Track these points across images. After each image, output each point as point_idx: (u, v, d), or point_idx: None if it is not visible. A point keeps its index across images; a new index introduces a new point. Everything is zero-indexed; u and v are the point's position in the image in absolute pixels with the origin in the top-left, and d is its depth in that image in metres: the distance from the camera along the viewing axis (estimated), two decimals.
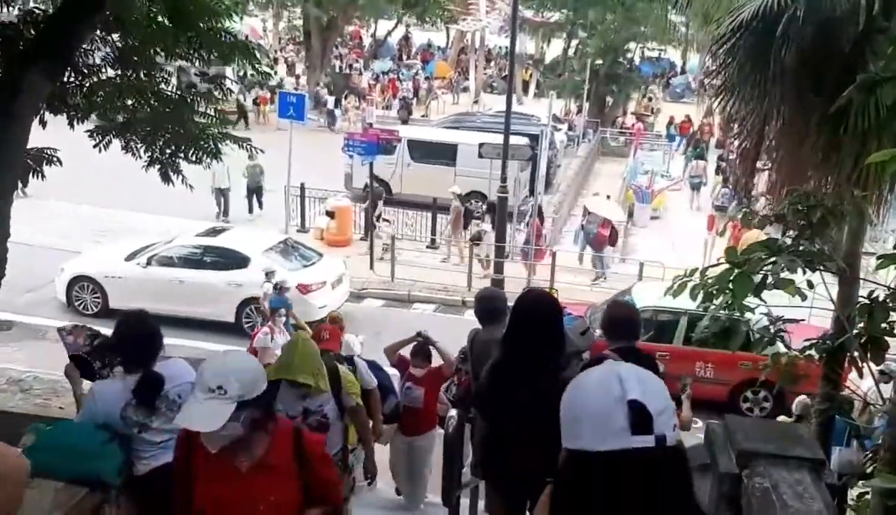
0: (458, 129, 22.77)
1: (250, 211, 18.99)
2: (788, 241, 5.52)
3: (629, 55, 31.75)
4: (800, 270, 5.36)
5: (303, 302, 11.87)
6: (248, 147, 7.11)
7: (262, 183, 18.82)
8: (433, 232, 17.48)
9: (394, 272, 15.61)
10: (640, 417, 1.40)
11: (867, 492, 5.86)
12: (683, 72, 47.77)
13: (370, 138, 15.61)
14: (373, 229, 16.13)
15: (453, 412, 4.86)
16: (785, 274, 5.09)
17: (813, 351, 6.22)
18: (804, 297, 5.91)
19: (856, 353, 5.58)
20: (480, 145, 16.43)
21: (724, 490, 3.52)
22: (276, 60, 44.32)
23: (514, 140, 16.16)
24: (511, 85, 15.90)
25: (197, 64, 6.46)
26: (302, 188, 17.85)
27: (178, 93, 6.64)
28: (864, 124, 6.76)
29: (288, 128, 17.65)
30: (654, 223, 21.22)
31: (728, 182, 21.11)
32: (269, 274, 11.45)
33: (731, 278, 5.32)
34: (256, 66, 7.24)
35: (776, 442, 3.66)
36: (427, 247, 17.69)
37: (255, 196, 19.06)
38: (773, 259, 5.11)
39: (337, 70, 38.14)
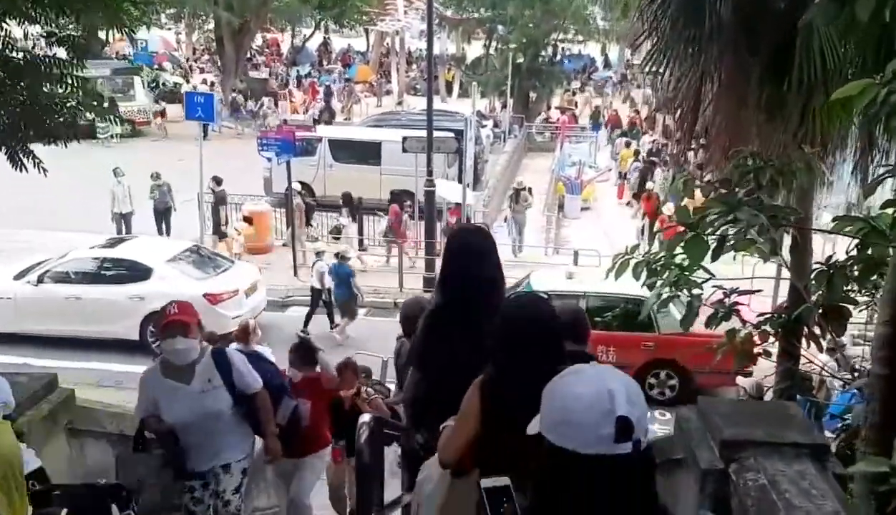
0: (382, 128, 21.98)
1: (160, 233, 16.92)
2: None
3: (550, 49, 31.53)
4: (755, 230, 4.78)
5: (212, 313, 10.99)
6: (117, 119, 6.23)
7: (170, 203, 16.90)
8: (360, 233, 16.61)
9: None
10: (624, 429, 1.53)
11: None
12: (608, 65, 48.21)
13: (286, 135, 14.71)
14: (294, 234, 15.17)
15: (367, 417, 4.11)
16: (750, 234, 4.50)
17: (768, 327, 5.71)
18: (768, 258, 5.31)
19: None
20: (404, 139, 15.67)
21: (708, 490, 2.84)
22: (190, 69, 43.20)
23: (438, 134, 15.54)
24: (431, 76, 15.23)
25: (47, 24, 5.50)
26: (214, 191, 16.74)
27: (27, 57, 5.66)
28: (810, 76, 6.31)
29: (200, 140, 16.69)
30: (585, 214, 20.91)
31: (638, 156, 21.36)
32: (319, 254, 11.86)
33: (685, 242, 4.70)
34: (126, 28, 6.30)
35: (764, 427, 2.99)
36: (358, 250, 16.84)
37: (163, 219, 17.03)
38: (732, 216, 4.50)
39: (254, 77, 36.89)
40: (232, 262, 12.99)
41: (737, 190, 5.22)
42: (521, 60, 29.76)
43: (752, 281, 5.72)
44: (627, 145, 23.50)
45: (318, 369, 5.55)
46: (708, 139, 7.36)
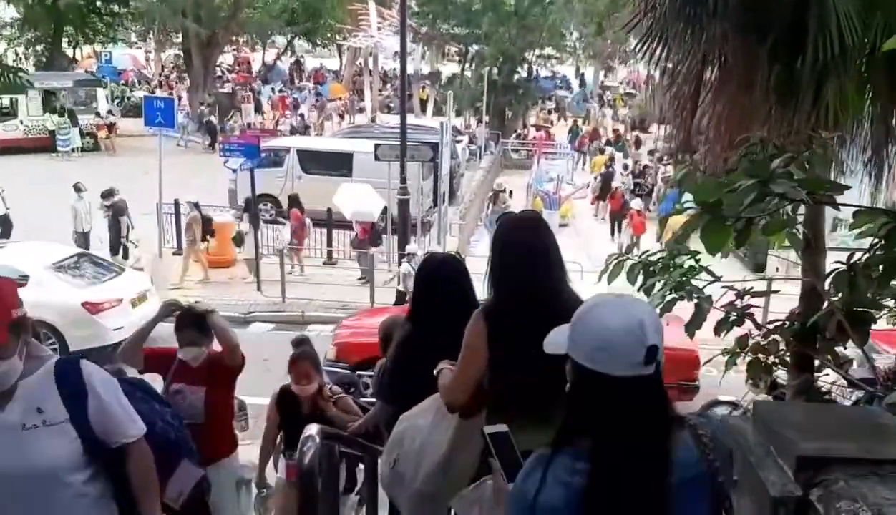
0: (354, 140, 21.21)
1: (114, 253, 15.02)
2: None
3: (526, 66, 31.09)
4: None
5: (91, 324, 10.39)
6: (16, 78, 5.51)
7: (128, 221, 15.25)
8: (329, 244, 15.76)
9: (284, 292, 13.86)
10: (651, 355, 1.74)
11: None
12: (583, 84, 48.09)
13: (249, 140, 13.86)
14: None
15: (313, 429, 2.98)
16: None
17: (777, 336, 5.02)
18: (801, 246, 4.59)
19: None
20: (376, 146, 14.94)
21: None
22: (160, 85, 42.26)
23: (413, 142, 14.84)
24: (404, 80, 14.51)
25: None
26: (176, 205, 15.83)
27: None
28: (826, 55, 5.68)
29: (160, 147, 15.80)
30: (563, 230, 20.25)
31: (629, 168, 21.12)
32: (408, 256, 11.87)
33: (702, 227, 3.96)
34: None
35: (854, 439, 2.14)
36: (324, 263, 16.02)
37: (118, 238, 15.11)
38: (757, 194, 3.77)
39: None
40: (121, 271, 12.07)
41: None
42: (496, 77, 29.24)
43: (747, 283, 5.06)
44: (602, 152, 23.00)
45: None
46: (709, 127, 6.66)
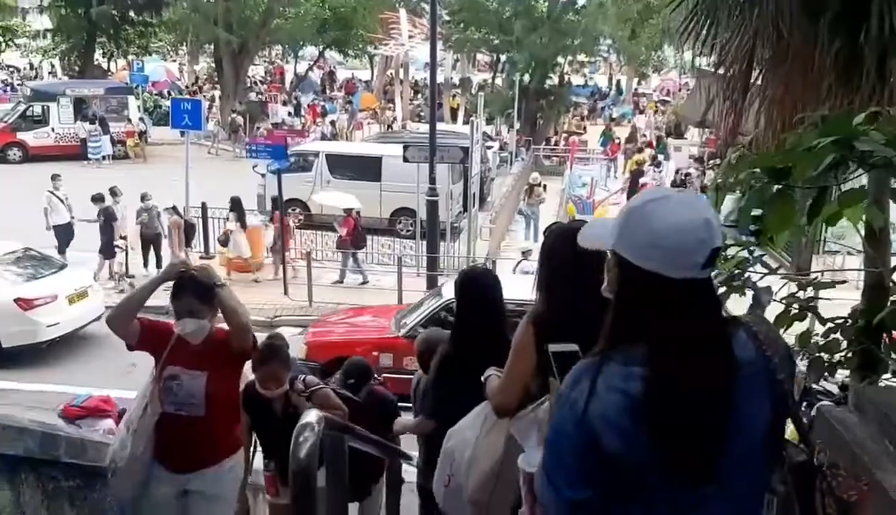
0: (383, 144, 20.88)
1: (145, 264, 14.58)
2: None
3: (558, 71, 30.60)
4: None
5: (24, 320, 10.21)
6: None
7: (160, 229, 14.66)
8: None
9: (311, 295, 13.52)
10: (713, 258, 1.63)
11: None
12: (620, 92, 47.62)
13: (276, 141, 13.53)
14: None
15: (312, 416, 2.34)
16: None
17: (839, 335, 4.49)
18: (883, 222, 4.04)
19: None
20: (405, 147, 14.54)
21: None
22: (192, 95, 42.28)
23: (443, 143, 14.45)
24: (434, 74, 14.11)
25: None
26: (203, 208, 15.60)
27: None
28: (890, 27, 5.19)
29: (187, 149, 15.59)
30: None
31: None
32: (525, 253, 11.66)
33: (767, 200, 3.45)
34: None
35: None
36: (351, 269, 15.63)
37: (151, 246, 14.57)
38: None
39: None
40: (63, 267, 11.77)
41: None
42: (528, 83, 28.80)
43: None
44: (640, 150, 22.43)
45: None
46: (761, 109, 6.16)
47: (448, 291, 10.22)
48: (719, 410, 1.62)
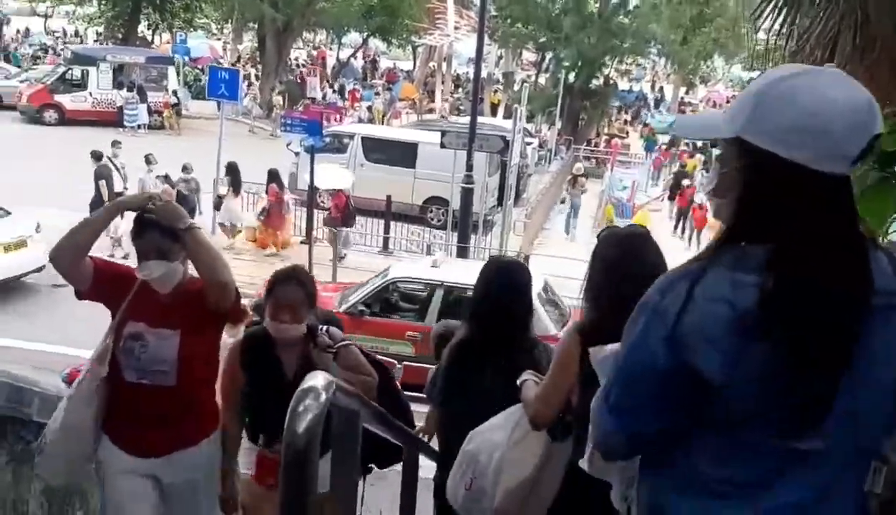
0: (421, 131, 20.44)
1: None
2: None
3: (605, 70, 29.92)
4: None
5: None
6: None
7: (196, 203, 14.44)
8: (386, 231, 14.93)
9: (336, 276, 13.12)
10: (869, 149, 1.34)
11: None
12: (661, 100, 46.81)
13: (313, 116, 13.12)
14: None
15: (318, 378, 1.63)
16: None
17: None
18: None
19: None
20: (443, 134, 14.06)
21: None
22: None
23: (483, 131, 13.96)
24: (479, 64, 13.62)
25: None
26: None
27: None
28: None
29: (222, 120, 15.28)
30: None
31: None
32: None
33: (864, 190, 2.94)
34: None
35: None
36: (378, 252, 15.23)
37: None
38: None
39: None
40: (8, 214, 11.29)
41: None
42: (573, 81, 28.18)
43: None
44: (691, 156, 21.84)
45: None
46: None
47: (395, 271, 10.19)
48: (849, 336, 1.33)
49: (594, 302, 2.46)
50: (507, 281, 3.13)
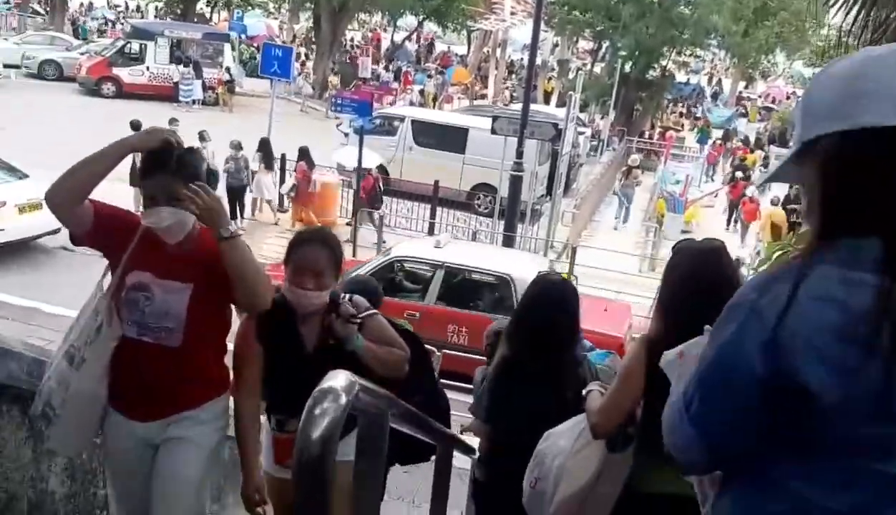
0: (471, 116, 20.22)
1: (233, 217, 13.72)
2: None
3: (662, 61, 29.25)
4: None
5: None
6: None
7: (246, 181, 14.18)
8: (432, 216, 14.79)
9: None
10: None
11: None
12: (718, 93, 45.75)
13: (363, 96, 13.02)
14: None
15: (340, 379, 1.43)
16: None
17: None
18: None
19: None
20: (494, 119, 13.82)
21: None
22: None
23: (535, 118, 13.70)
24: (535, 49, 13.34)
25: None
26: (282, 159, 15.26)
27: None
28: None
29: (273, 97, 15.29)
30: (684, 237, 18.67)
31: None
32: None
33: None
34: None
35: None
36: (424, 237, 15.09)
37: (236, 198, 13.96)
38: None
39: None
40: (26, 176, 11.28)
41: None
42: (629, 71, 27.62)
43: None
44: (752, 151, 21.31)
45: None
46: None
47: (398, 250, 10.10)
48: None
49: (664, 315, 2.42)
50: (551, 299, 3.12)
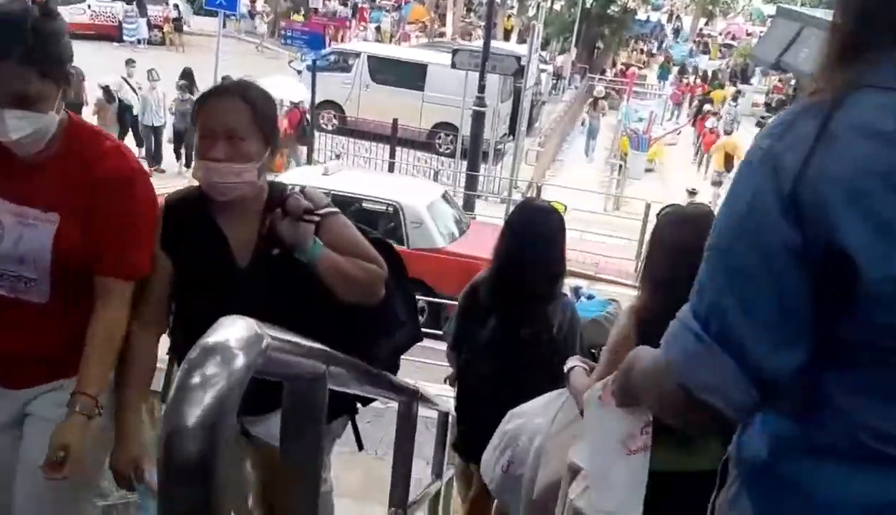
0: (430, 51, 19.51)
1: (178, 159, 13.37)
2: None
3: None
4: None
5: None
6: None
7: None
8: (392, 156, 14.23)
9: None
10: None
11: None
12: (677, 34, 45.29)
13: (315, 28, 12.30)
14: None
15: (239, 329, 0.83)
16: None
17: None
18: None
19: None
20: (454, 52, 13.26)
21: None
22: None
23: (497, 52, 13.13)
24: None
25: None
26: None
27: None
28: None
29: (219, 33, 14.39)
30: (648, 176, 18.39)
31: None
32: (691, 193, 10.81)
33: None
34: None
35: None
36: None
37: (182, 142, 13.14)
38: None
39: None
40: None
41: None
42: (590, 6, 26.99)
43: None
44: (722, 86, 21.12)
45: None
46: None
47: (285, 179, 9.40)
48: None
49: (652, 285, 2.22)
50: (528, 227, 2.91)
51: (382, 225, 8.77)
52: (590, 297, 3.81)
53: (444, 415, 3.82)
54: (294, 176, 9.78)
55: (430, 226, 8.43)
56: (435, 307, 8.34)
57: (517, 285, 2.83)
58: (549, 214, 3.00)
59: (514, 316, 2.84)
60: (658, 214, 2.33)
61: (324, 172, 9.48)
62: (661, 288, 2.18)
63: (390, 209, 8.65)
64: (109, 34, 23.99)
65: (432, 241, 8.43)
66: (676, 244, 2.18)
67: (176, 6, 26.28)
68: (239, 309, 0.94)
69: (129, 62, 14.44)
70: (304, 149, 13.54)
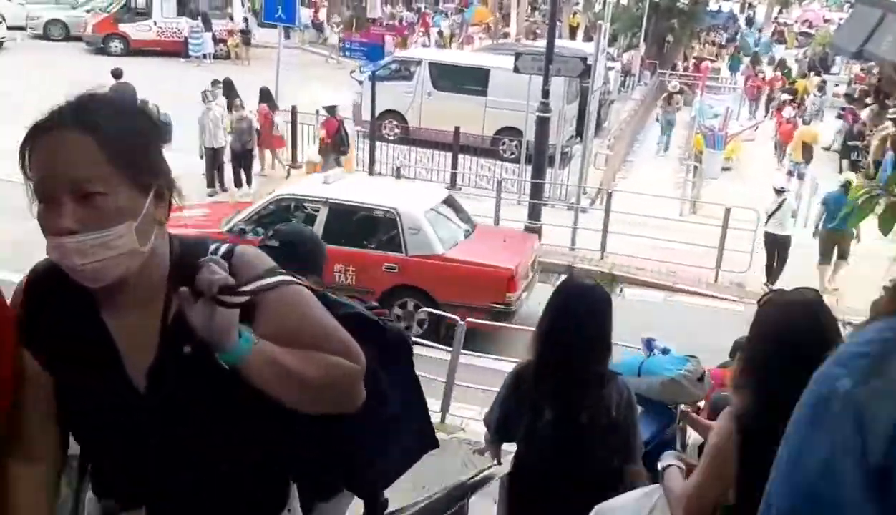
0: (493, 55, 19.03)
1: (237, 184, 12.91)
2: None
3: None
4: None
5: None
6: None
7: (251, 145, 12.92)
8: (454, 166, 13.80)
9: None
10: None
11: None
12: (750, 24, 43.70)
13: (373, 39, 11.98)
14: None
15: None
16: None
17: None
18: None
19: None
20: (516, 57, 12.75)
21: None
22: (303, 3, 40.96)
23: (562, 53, 12.57)
24: None
25: None
26: (293, 112, 14.33)
27: None
28: None
29: (280, 46, 14.29)
30: (725, 175, 17.50)
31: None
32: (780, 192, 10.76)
33: None
34: None
35: None
36: (446, 188, 14.18)
37: (241, 163, 12.85)
38: None
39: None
40: None
41: None
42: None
43: None
44: (804, 76, 20.14)
45: None
46: None
47: (282, 189, 9.47)
48: None
49: (755, 380, 2.04)
50: (572, 310, 2.81)
51: (380, 232, 8.61)
52: (664, 351, 3.40)
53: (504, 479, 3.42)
54: (293, 186, 9.76)
55: (427, 233, 8.30)
56: (435, 318, 8.05)
57: (565, 369, 2.73)
58: (592, 291, 2.88)
59: (570, 404, 2.74)
60: (759, 302, 2.13)
61: (324, 181, 9.38)
62: (762, 387, 2.00)
63: (388, 216, 8.51)
64: (176, 50, 24.36)
65: (430, 248, 8.31)
66: (782, 338, 2.01)
67: (245, 19, 26.48)
68: (143, 444, 0.79)
69: (216, 83, 14.09)
70: (343, 159, 13.25)
